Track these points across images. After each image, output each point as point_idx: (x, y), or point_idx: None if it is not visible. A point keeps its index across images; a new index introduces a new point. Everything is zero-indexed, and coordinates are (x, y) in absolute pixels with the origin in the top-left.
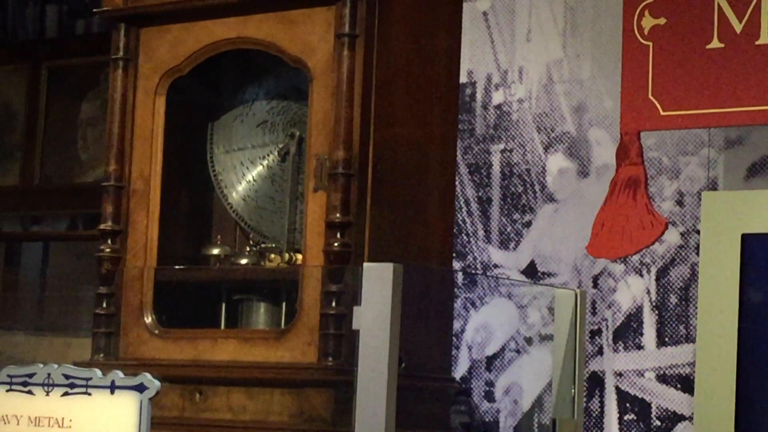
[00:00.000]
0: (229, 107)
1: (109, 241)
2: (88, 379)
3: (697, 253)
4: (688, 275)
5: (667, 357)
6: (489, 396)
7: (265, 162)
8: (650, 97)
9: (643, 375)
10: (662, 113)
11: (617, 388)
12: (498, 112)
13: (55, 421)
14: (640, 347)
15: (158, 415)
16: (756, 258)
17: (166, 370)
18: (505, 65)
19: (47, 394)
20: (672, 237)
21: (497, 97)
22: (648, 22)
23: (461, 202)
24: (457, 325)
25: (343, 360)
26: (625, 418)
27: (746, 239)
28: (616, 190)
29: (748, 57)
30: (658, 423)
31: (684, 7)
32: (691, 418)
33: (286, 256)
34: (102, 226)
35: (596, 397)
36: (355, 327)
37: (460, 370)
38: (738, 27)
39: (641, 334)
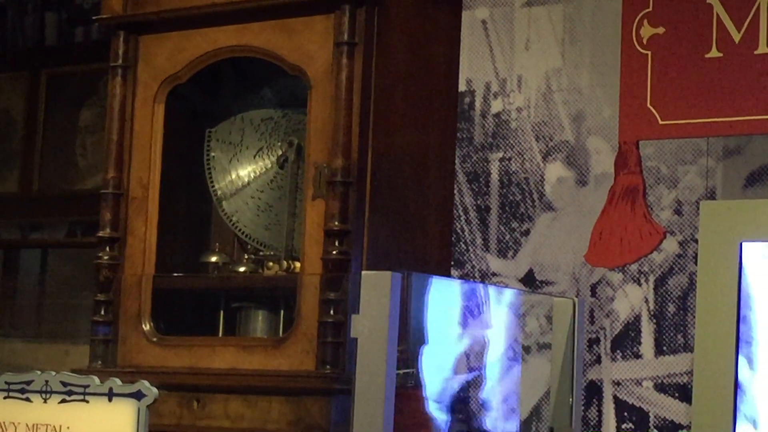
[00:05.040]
0: (227, 115)
1: (108, 249)
2: (85, 387)
3: (695, 262)
4: (687, 284)
5: (665, 366)
6: (486, 404)
7: (274, 183)
8: (649, 106)
9: (641, 384)
10: (661, 122)
11: (615, 397)
12: (496, 120)
13: (52, 428)
14: (638, 356)
15: (156, 423)
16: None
17: (164, 378)
18: (503, 74)
19: (45, 402)
20: (670, 246)
21: (496, 106)
22: (647, 31)
23: (459, 211)
24: (454, 333)
25: (341, 368)
26: (623, 427)
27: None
28: (615, 199)
29: (747, 66)
30: None
31: (683, 16)
32: (689, 427)
33: (285, 264)
34: (100, 234)
35: (594, 406)
36: (353, 335)
37: (458, 379)
38: (737, 36)
39: (639, 343)
